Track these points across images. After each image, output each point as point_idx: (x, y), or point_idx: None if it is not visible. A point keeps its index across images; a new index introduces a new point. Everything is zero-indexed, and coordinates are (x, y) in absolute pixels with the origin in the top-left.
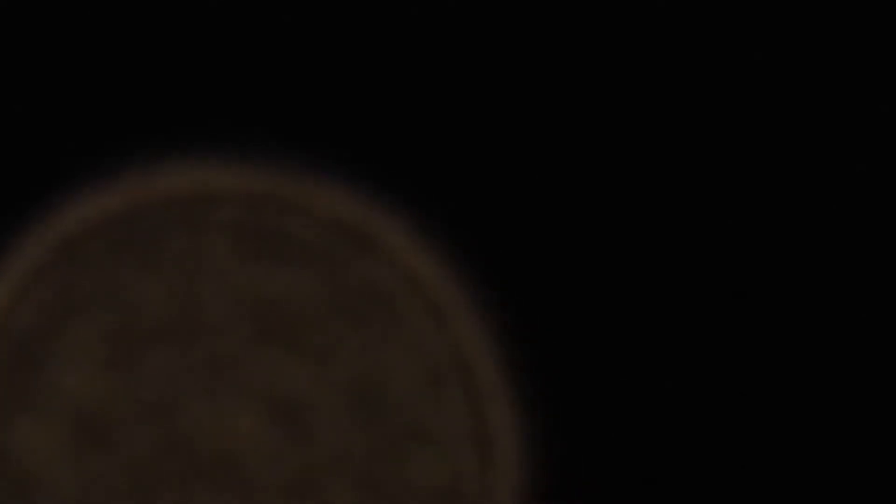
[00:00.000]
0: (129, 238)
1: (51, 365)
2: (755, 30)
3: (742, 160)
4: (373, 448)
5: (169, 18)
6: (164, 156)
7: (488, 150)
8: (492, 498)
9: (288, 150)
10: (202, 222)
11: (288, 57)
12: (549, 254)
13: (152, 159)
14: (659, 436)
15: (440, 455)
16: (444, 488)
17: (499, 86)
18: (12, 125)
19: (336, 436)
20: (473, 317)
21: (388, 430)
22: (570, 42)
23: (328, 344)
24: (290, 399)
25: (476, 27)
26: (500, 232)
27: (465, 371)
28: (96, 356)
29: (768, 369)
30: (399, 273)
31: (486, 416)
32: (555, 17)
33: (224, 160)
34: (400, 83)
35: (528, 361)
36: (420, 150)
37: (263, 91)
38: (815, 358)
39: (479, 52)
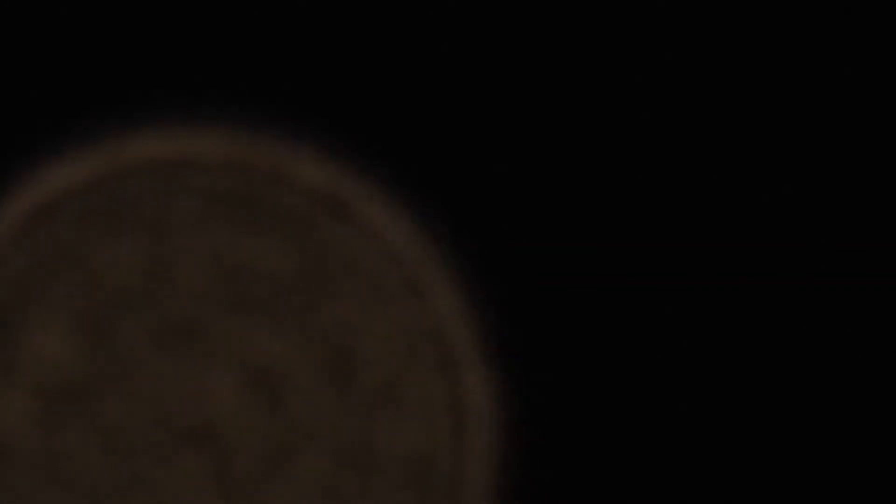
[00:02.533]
0: (101, 204)
1: (23, 332)
2: (755, 30)
3: (738, 160)
4: (347, 415)
5: None
6: (138, 122)
7: (464, 120)
8: (466, 464)
9: (264, 117)
10: (175, 189)
11: (266, 26)
12: (524, 223)
13: (126, 126)
14: (631, 401)
15: (415, 422)
16: (419, 455)
17: (473, 53)
18: None
19: (310, 403)
20: (448, 285)
21: (362, 398)
22: (545, 24)
23: (302, 312)
24: (264, 366)
25: None
26: (475, 201)
27: (440, 339)
28: (68, 323)
29: (754, 364)
30: (374, 241)
31: (460, 383)
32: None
33: (199, 127)
34: (377, 52)
35: (502, 330)
36: (396, 120)
37: (240, 58)
38: (806, 358)
39: (454, 21)
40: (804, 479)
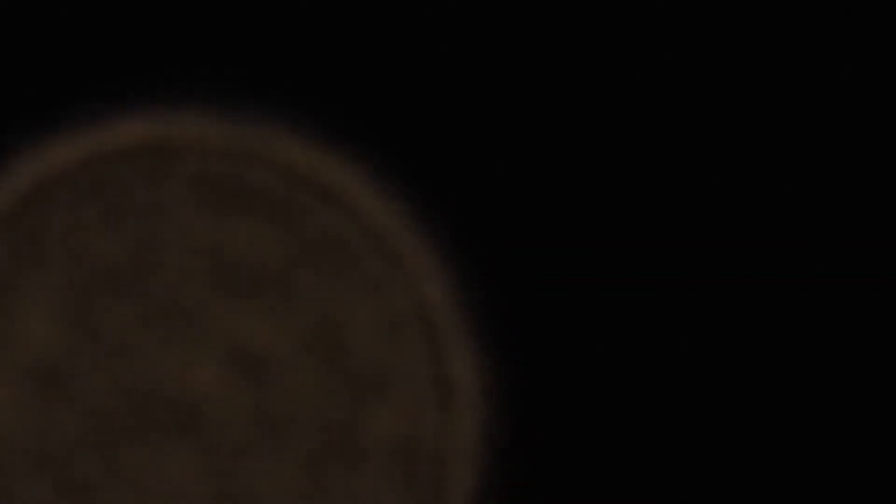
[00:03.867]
0: (90, 188)
1: (10, 314)
2: (755, 30)
3: (738, 160)
4: (333, 397)
5: None
6: (126, 106)
7: (449, 101)
8: (452, 444)
9: (251, 101)
10: (163, 173)
11: (251, 10)
12: (510, 203)
13: (112, 110)
14: (616, 381)
15: (401, 403)
16: (406, 435)
17: (457, 33)
18: None
19: (296, 385)
20: (434, 266)
21: (348, 379)
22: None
23: (288, 294)
24: (251, 349)
25: None
26: (461, 180)
27: (426, 319)
28: (56, 305)
29: (745, 362)
30: (360, 223)
31: (446, 363)
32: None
33: (185, 111)
34: (363, 33)
35: (489, 309)
36: (381, 100)
37: (226, 42)
38: (806, 359)
39: (438, 2)
40: (802, 481)
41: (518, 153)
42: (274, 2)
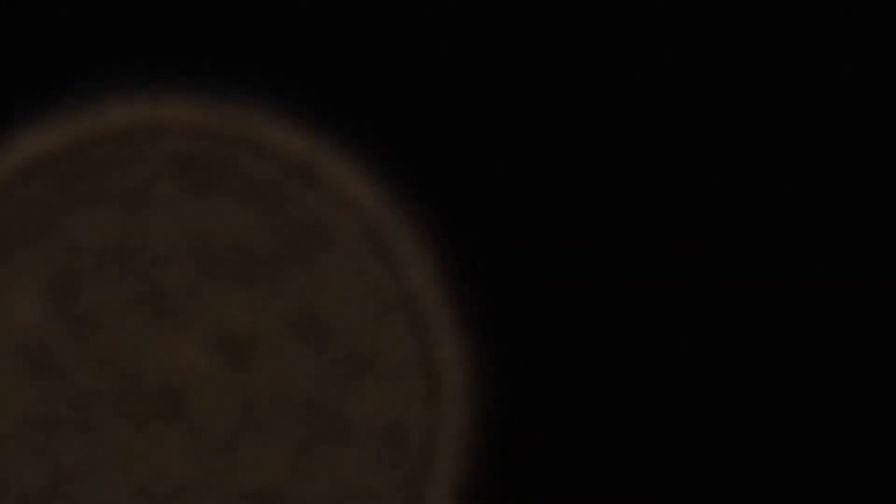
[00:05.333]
0: (75, 171)
1: None
2: (755, 30)
3: (737, 161)
4: (319, 380)
5: None
6: (111, 89)
7: (433, 84)
8: (438, 428)
9: (236, 84)
10: (149, 156)
11: None
12: (496, 188)
13: (98, 92)
14: (604, 366)
15: (387, 387)
16: (392, 419)
17: (444, 20)
18: None
19: (281, 369)
20: (419, 250)
21: (334, 363)
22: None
23: (274, 277)
24: (236, 332)
25: None
26: (447, 165)
27: (412, 304)
28: (42, 289)
29: (730, 360)
30: (345, 207)
31: (432, 347)
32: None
33: (171, 94)
34: (348, 17)
35: (474, 293)
36: (367, 85)
37: (213, 25)
38: (800, 360)
39: None
40: (800, 480)
41: (504, 138)
42: None
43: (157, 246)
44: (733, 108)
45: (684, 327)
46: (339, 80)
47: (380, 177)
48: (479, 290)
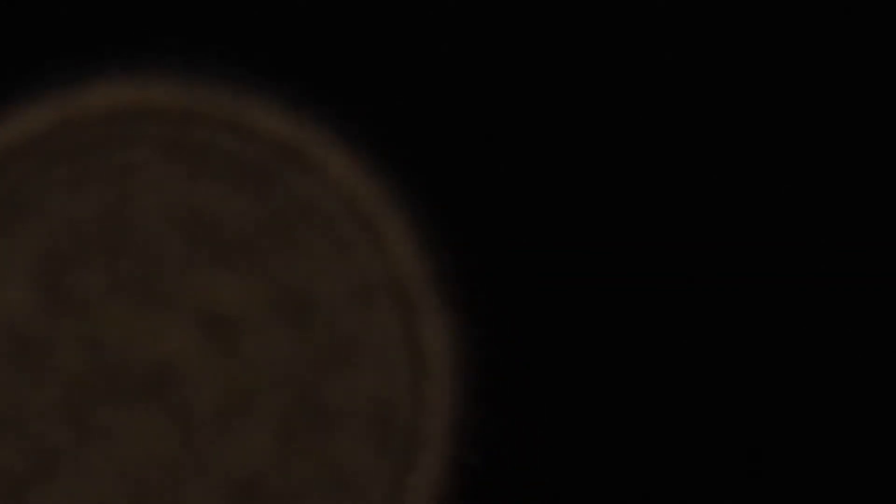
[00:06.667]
0: (61, 153)
1: None
2: (755, 30)
3: (737, 161)
4: (305, 362)
5: None
6: (98, 70)
7: (420, 65)
8: (425, 410)
9: (224, 65)
10: (135, 137)
11: None
12: (483, 169)
13: (85, 74)
14: (589, 348)
15: (373, 369)
16: (378, 401)
17: (434, 7)
18: None
19: (268, 350)
20: (406, 233)
21: (319, 345)
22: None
23: (260, 259)
24: (223, 315)
25: None
26: (433, 146)
27: (398, 285)
28: (28, 270)
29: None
30: (332, 190)
31: (418, 330)
32: None
33: (158, 76)
34: (339, 2)
35: (461, 275)
36: (353, 67)
37: (199, 7)
38: (794, 362)
39: None
40: (797, 480)
41: (491, 120)
42: None
43: (143, 227)
44: (733, 108)
45: (665, 305)
46: (325, 62)
47: (366, 159)
48: (466, 272)
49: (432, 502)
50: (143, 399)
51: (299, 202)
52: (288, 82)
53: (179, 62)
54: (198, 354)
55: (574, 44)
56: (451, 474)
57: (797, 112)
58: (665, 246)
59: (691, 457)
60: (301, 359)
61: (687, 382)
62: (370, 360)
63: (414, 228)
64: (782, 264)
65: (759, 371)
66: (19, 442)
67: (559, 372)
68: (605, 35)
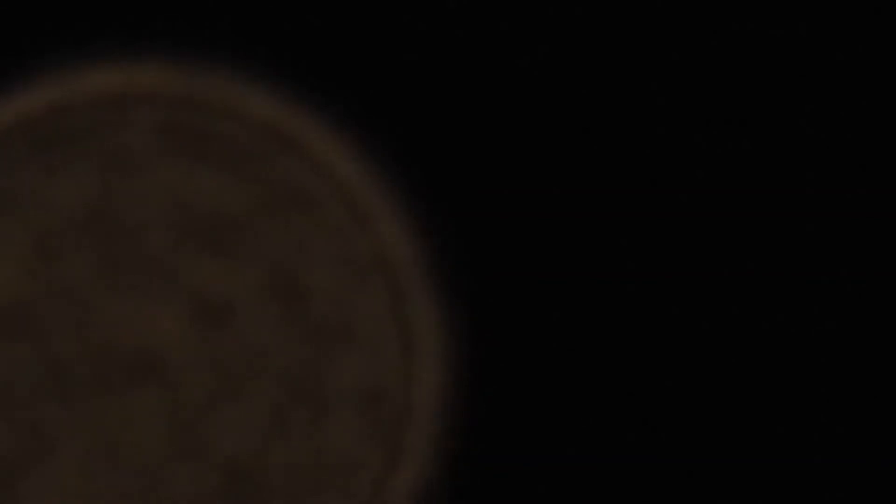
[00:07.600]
0: (53, 137)
1: None
2: (755, 30)
3: (736, 161)
4: (296, 345)
5: None
6: (89, 55)
7: (411, 51)
8: (416, 392)
9: (215, 50)
10: (126, 122)
11: None
12: (473, 151)
13: (76, 59)
14: (577, 329)
15: (364, 352)
16: (369, 384)
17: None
18: None
19: (258, 335)
20: (396, 216)
21: (310, 328)
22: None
23: (250, 242)
24: (213, 299)
25: None
26: (423, 129)
27: (388, 269)
28: (19, 255)
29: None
30: (323, 174)
31: (409, 313)
32: None
33: (149, 61)
34: None
35: (451, 257)
36: (344, 51)
37: None
38: (788, 362)
39: None
40: (795, 479)
41: (482, 106)
42: None
43: (134, 212)
44: (733, 108)
45: (651, 290)
46: (316, 46)
47: (357, 143)
48: (457, 255)
49: (422, 485)
50: (134, 384)
51: (290, 186)
52: (279, 68)
53: (171, 47)
54: (188, 339)
55: (569, 35)
56: (441, 457)
57: (797, 112)
58: (653, 234)
59: (685, 448)
60: (291, 343)
61: (680, 370)
62: (361, 343)
63: (405, 213)
64: (782, 264)
65: (758, 371)
66: (8, 427)
67: (549, 354)
68: (604, 35)
